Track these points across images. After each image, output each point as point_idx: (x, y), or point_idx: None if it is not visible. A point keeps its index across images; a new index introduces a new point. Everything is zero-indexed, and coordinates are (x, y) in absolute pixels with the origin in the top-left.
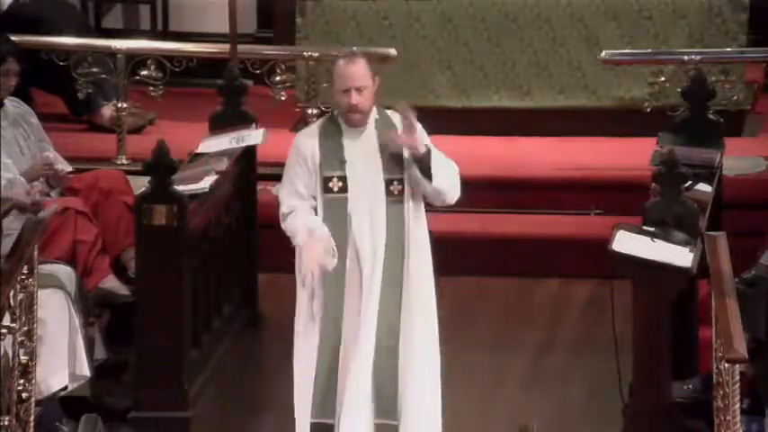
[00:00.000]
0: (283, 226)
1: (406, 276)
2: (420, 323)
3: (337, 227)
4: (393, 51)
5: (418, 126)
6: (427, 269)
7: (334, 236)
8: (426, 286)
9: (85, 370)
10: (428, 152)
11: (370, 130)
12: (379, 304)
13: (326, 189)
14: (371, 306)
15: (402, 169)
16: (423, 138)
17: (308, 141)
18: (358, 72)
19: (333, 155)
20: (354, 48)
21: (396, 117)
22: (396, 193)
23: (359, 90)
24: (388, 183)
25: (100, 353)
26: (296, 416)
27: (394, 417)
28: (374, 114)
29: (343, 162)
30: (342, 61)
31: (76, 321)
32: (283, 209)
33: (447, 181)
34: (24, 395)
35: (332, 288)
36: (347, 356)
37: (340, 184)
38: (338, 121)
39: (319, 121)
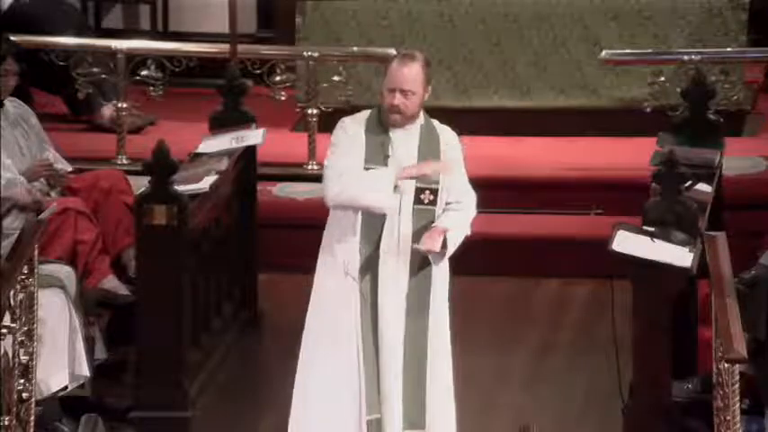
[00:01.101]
0: (337, 193)
1: (433, 288)
2: (442, 332)
3: (373, 220)
4: (393, 51)
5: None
6: (446, 274)
7: (369, 229)
8: (445, 297)
9: (85, 370)
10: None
11: (414, 134)
12: (405, 322)
13: None
14: (398, 313)
15: (438, 179)
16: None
17: (355, 127)
18: (408, 75)
19: (379, 148)
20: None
21: (442, 130)
22: (426, 201)
23: (404, 93)
24: (420, 191)
25: (100, 353)
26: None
27: (422, 425)
28: (421, 120)
29: (387, 157)
30: (396, 60)
31: (76, 321)
32: (334, 176)
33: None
34: (24, 395)
35: (368, 281)
36: (384, 349)
37: None
38: (383, 117)
39: (365, 112)
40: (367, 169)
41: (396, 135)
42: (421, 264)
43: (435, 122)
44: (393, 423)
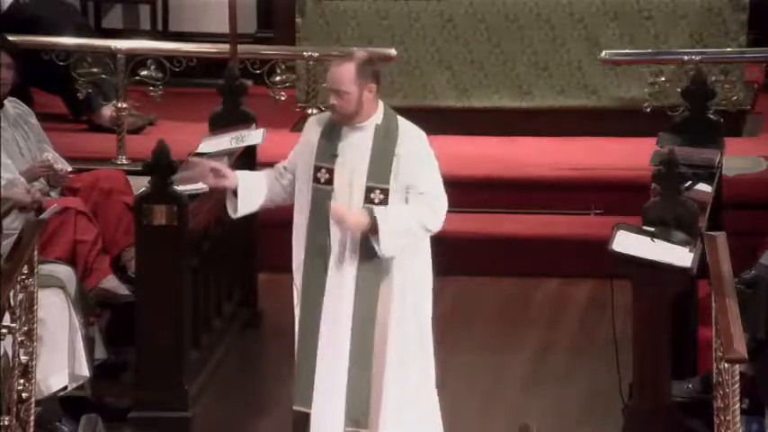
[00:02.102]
0: None
1: (385, 282)
2: (403, 328)
3: (320, 217)
4: (393, 51)
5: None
6: (418, 270)
7: (317, 226)
8: (412, 290)
9: (85, 370)
10: (373, 228)
11: (368, 132)
12: (353, 311)
13: (315, 178)
14: (346, 306)
15: (388, 179)
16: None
17: (315, 126)
18: (339, 76)
19: (327, 146)
20: (355, 49)
21: (405, 130)
22: (376, 201)
23: (338, 93)
24: (370, 190)
25: (100, 353)
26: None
27: (364, 425)
28: (377, 119)
29: (334, 156)
30: (335, 61)
31: (76, 321)
32: None
33: (402, 241)
34: (24, 395)
35: (313, 274)
36: (324, 344)
37: (327, 175)
38: None
39: None
40: (316, 167)
41: (348, 134)
42: (369, 265)
43: (402, 121)
44: (327, 418)
